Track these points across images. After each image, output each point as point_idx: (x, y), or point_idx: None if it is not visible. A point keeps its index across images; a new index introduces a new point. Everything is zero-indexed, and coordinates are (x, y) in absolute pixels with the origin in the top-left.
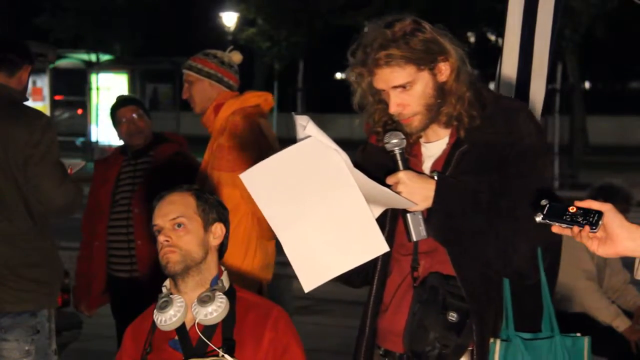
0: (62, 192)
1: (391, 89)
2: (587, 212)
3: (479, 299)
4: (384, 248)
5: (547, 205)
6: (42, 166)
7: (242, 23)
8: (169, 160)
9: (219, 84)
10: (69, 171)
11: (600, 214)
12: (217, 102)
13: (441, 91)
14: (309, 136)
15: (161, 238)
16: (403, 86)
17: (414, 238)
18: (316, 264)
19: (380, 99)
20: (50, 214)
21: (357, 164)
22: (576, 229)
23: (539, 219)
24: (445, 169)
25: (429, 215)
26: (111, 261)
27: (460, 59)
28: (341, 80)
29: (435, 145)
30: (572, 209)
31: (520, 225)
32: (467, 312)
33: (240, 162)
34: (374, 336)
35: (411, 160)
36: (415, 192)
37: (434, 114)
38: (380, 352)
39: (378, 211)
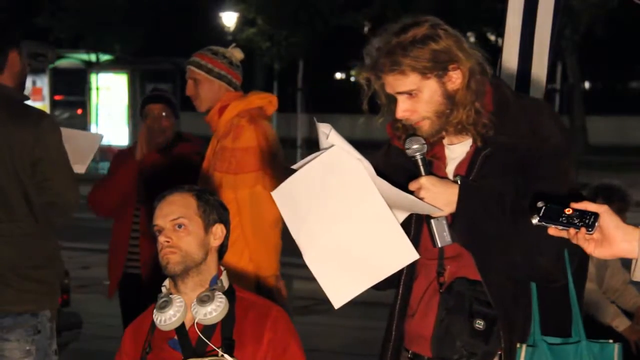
0: (74, 190)
1: (398, 95)
2: (583, 214)
3: (505, 305)
4: (414, 256)
5: (544, 207)
6: (55, 168)
7: (242, 23)
8: (188, 159)
9: (228, 86)
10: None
11: (596, 215)
12: (222, 103)
13: (451, 99)
14: (332, 145)
15: (161, 238)
16: (409, 93)
17: (439, 244)
18: (345, 278)
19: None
20: (61, 215)
21: (379, 167)
22: (572, 231)
23: (535, 221)
24: (469, 172)
25: (453, 221)
26: (128, 257)
27: (475, 66)
28: (341, 80)
29: (458, 148)
30: (568, 211)
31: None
32: (494, 319)
33: (244, 164)
34: (400, 339)
35: (435, 163)
36: (438, 198)
37: (443, 121)
38: (409, 355)
39: (402, 216)
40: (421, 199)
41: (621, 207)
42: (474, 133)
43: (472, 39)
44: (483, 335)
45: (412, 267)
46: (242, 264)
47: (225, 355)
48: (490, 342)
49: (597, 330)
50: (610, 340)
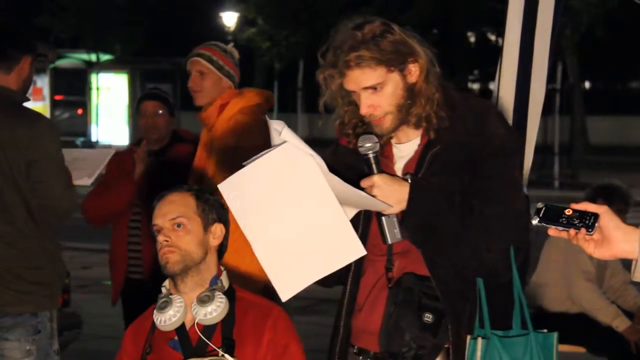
0: (67, 195)
1: (362, 90)
2: (583, 215)
3: (453, 299)
4: (361, 252)
5: (544, 208)
6: (48, 170)
7: (242, 23)
8: (183, 160)
9: (232, 85)
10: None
11: (596, 216)
12: (222, 100)
13: (411, 92)
14: (285, 141)
15: (161, 238)
16: (374, 87)
17: (389, 241)
18: (292, 272)
19: (350, 101)
20: (54, 218)
21: (328, 165)
22: (572, 231)
23: (535, 222)
24: (418, 170)
25: (403, 218)
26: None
27: (429, 61)
28: None
29: (407, 146)
30: (568, 212)
31: (492, 225)
32: (442, 312)
33: None
34: (348, 335)
35: (383, 161)
36: (390, 195)
37: (404, 115)
38: (354, 351)
39: (352, 213)
40: (374, 196)
41: (622, 208)
42: (431, 125)
43: (472, 39)
44: (432, 328)
45: (359, 264)
46: (246, 264)
47: (226, 355)
48: (438, 335)
49: (541, 320)
50: (545, 330)
